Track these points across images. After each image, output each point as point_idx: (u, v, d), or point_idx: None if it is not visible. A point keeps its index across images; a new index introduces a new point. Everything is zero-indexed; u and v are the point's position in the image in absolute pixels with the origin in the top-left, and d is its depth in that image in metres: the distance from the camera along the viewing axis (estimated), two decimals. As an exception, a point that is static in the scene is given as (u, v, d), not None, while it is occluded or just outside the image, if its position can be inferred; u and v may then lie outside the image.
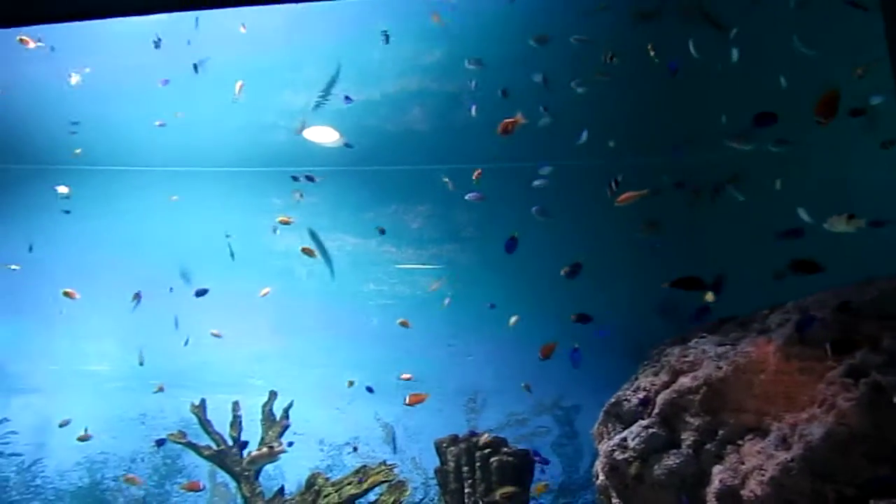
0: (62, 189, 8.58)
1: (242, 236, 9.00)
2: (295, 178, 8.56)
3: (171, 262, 8.87)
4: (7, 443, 8.35)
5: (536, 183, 7.60)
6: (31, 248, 8.23)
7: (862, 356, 4.65)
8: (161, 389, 8.06)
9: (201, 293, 7.98)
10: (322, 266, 9.21)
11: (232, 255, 8.87)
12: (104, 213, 8.74)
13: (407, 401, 6.83)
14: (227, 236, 8.65)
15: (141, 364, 8.29)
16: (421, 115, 8.61)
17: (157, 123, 8.11)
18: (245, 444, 7.02)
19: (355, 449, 7.67)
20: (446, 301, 8.14)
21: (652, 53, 7.02)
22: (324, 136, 8.35)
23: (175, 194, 9.03)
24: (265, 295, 8.12)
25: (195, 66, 7.61)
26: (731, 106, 7.83)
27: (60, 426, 7.59)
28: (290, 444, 7.33)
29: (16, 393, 8.47)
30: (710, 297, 5.73)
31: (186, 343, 8.05)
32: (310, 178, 8.45)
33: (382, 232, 8.12)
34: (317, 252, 8.16)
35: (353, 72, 8.17)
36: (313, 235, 8.18)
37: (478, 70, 7.56)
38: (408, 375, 7.44)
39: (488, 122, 6.97)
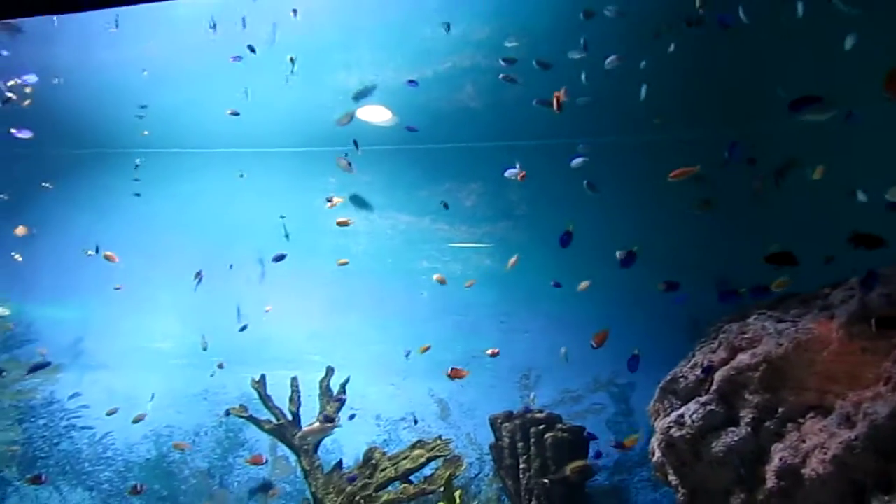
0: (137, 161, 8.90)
1: (298, 215, 9.16)
2: (346, 159, 8.72)
3: (230, 241, 9.08)
4: (79, 416, 8.72)
5: (576, 162, 7.52)
6: (97, 250, 8.51)
7: (931, 334, 4.53)
8: (221, 367, 8.31)
9: (279, 258, 8.15)
10: (376, 243, 9.33)
11: (287, 236, 9.04)
12: (167, 195, 8.98)
13: (449, 373, 6.84)
14: (282, 217, 8.81)
15: (204, 349, 8.55)
16: (473, 93, 8.58)
17: (229, 112, 8.24)
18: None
19: (415, 421, 7.77)
20: (468, 283, 8.17)
21: (701, 11, 6.82)
22: (377, 115, 8.42)
23: (233, 175, 9.25)
24: (342, 265, 8.22)
25: (251, 48, 7.72)
26: (791, 73, 7.63)
27: (134, 422, 7.91)
28: (352, 416, 7.50)
29: (87, 369, 8.83)
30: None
31: (244, 329, 8.26)
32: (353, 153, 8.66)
33: (446, 206, 8.12)
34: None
35: (406, 50, 8.20)
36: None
37: (519, 47, 7.51)
38: (494, 350, 7.47)
39: (538, 97, 6.95)
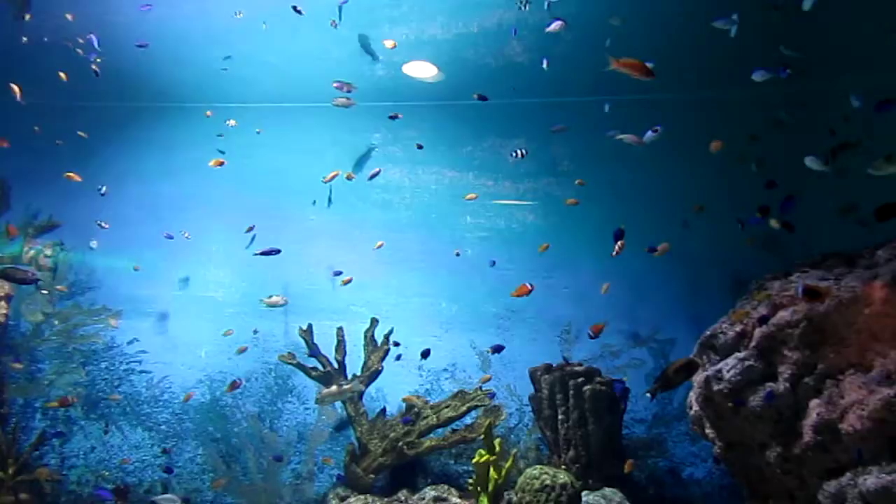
0: (231, 122, 9.12)
1: (344, 170, 9.30)
2: (392, 117, 8.82)
3: (281, 195, 9.29)
4: (138, 361, 9.12)
5: (610, 133, 7.49)
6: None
7: (976, 293, 4.48)
8: (256, 332, 8.67)
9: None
10: (420, 198, 9.43)
11: (329, 201, 9.23)
12: (219, 149, 9.19)
13: (514, 292, 6.94)
14: (324, 181, 8.98)
15: (260, 302, 8.91)
16: (519, 48, 8.53)
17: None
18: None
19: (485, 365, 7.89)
20: (542, 247, 8.22)
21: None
22: (423, 71, 8.44)
23: (281, 129, 9.41)
24: (379, 247, 8.51)
25: (295, 9, 7.78)
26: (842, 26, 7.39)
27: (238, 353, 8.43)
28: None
29: (144, 316, 9.17)
30: None
31: (339, 274, 8.49)
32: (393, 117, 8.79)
33: (523, 155, 8.06)
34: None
35: (453, 5, 8.16)
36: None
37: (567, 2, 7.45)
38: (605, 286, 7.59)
39: (587, 54, 6.88)
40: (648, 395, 4.64)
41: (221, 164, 8.75)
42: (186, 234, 9.03)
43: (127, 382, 9.05)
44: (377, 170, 8.75)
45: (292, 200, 9.33)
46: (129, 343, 9.17)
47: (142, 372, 9.09)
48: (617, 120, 7.80)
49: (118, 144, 9.78)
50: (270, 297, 8.05)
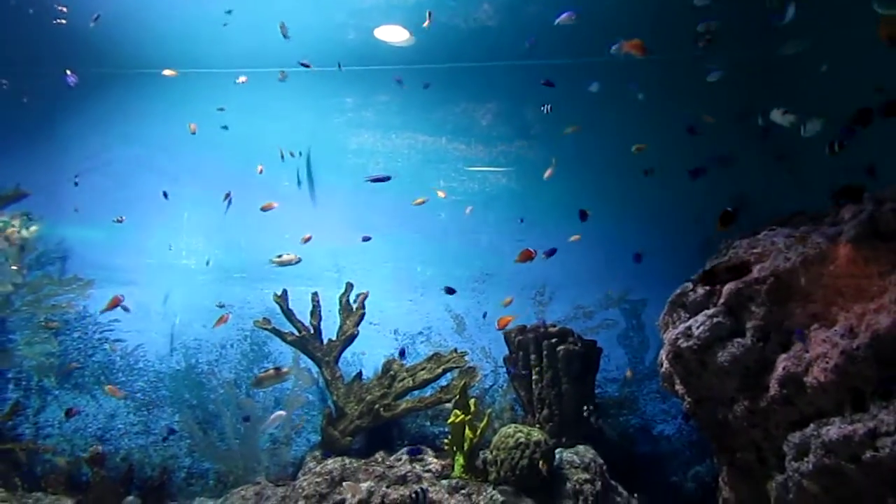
0: (241, 79, 8.96)
1: (316, 135, 9.24)
2: (399, 81, 8.78)
3: (252, 161, 9.19)
4: (111, 330, 9.06)
5: (593, 87, 7.49)
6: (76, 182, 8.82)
7: (937, 247, 4.58)
8: (222, 306, 8.56)
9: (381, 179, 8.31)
10: (393, 163, 9.40)
11: (298, 181, 9.20)
12: (188, 117, 9.06)
13: (518, 259, 6.96)
14: (292, 155, 8.88)
15: (207, 264, 8.83)
16: (491, 11, 8.48)
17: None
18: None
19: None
20: (468, 209, 8.25)
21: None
22: (395, 35, 8.37)
23: (251, 95, 9.29)
24: (366, 240, 8.42)
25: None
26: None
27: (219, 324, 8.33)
28: (403, 352, 7.75)
29: (117, 284, 9.09)
30: None
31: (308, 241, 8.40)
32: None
33: (550, 110, 7.88)
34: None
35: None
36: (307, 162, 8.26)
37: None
38: (576, 237, 7.60)
39: (557, 16, 6.87)
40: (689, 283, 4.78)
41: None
42: (121, 219, 8.87)
43: (101, 351, 8.99)
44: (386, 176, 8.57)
45: (265, 166, 9.25)
46: (102, 312, 9.09)
47: (116, 341, 9.04)
48: (590, 81, 7.82)
49: (84, 112, 9.62)
50: (281, 255, 7.92)
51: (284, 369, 6.62)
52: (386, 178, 7.97)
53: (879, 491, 4.32)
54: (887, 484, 4.27)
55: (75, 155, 9.47)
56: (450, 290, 7.64)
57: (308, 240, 8.45)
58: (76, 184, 8.94)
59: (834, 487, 4.56)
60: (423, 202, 8.54)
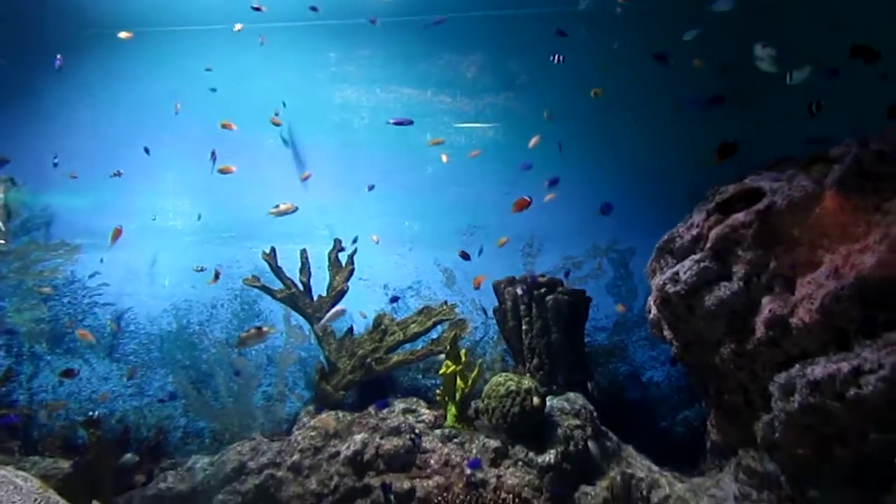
0: (237, 27, 8.75)
1: (300, 91, 9.11)
2: (373, 22, 8.59)
3: (236, 120, 9.06)
4: (100, 294, 9.04)
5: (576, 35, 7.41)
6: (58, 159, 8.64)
7: (921, 186, 4.60)
8: (202, 270, 8.48)
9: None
10: (379, 117, 9.28)
11: (284, 141, 9.09)
12: (169, 76, 8.91)
13: (514, 209, 6.89)
14: (279, 112, 8.76)
15: (199, 218, 8.75)
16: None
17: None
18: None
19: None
20: (473, 153, 8.18)
21: None
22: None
23: (234, 52, 9.13)
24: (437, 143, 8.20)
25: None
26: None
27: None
28: (396, 298, 7.72)
29: (104, 249, 9.04)
30: None
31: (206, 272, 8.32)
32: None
33: (561, 60, 7.68)
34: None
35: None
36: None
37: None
38: (550, 196, 7.55)
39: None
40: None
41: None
42: (118, 173, 8.75)
43: (91, 315, 8.98)
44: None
45: (249, 124, 9.14)
46: (91, 277, 9.06)
47: (105, 304, 9.02)
48: (575, 30, 7.73)
49: (67, 75, 9.43)
50: (278, 206, 7.82)
51: (265, 328, 6.63)
52: (409, 122, 7.83)
53: (862, 427, 4.41)
54: (870, 420, 4.35)
55: (58, 119, 9.33)
56: (464, 256, 7.61)
57: (307, 177, 8.35)
58: (55, 164, 8.80)
59: (819, 425, 4.64)
60: (440, 142, 8.45)
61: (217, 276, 8.04)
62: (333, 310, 7.07)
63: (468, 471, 5.57)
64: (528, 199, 6.78)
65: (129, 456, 7.05)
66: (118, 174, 8.66)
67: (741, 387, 5.49)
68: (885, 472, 4.36)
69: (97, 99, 9.50)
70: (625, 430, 6.42)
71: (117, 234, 7.73)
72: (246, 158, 8.60)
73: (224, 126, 8.32)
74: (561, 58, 7.64)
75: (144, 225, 9.30)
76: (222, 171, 8.14)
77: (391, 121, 7.88)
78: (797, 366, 4.79)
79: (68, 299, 8.99)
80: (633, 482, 5.66)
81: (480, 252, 7.81)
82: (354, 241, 7.90)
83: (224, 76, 9.21)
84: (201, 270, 8.52)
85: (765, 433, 5.11)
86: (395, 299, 7.78)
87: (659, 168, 8.17)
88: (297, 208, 7.65)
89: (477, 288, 7.37)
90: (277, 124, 8.94)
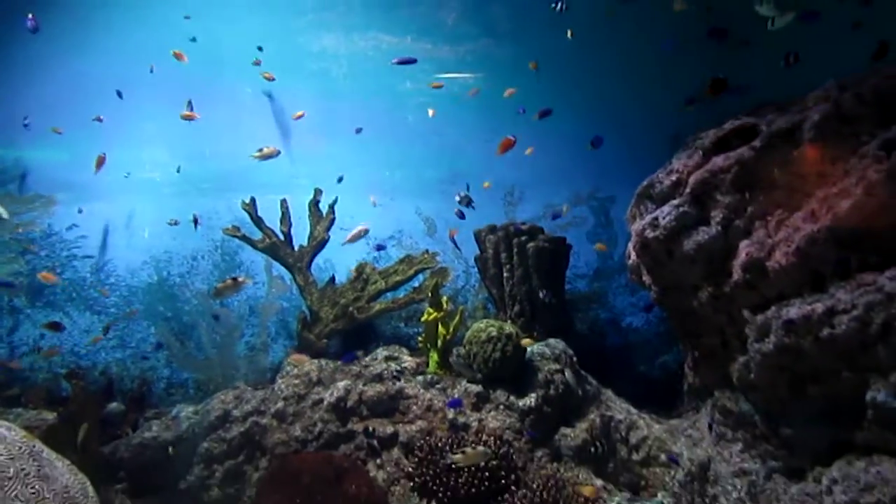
0: None
1: (277, 40, 8.92)
2: None
3: (212, 68, 8.89)
4: (79, 246, 8.95)
5: None
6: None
7: (898, 128, 4.62)
8: (176, 223, 8.36)
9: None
10: (358, 65, 9.14)
11: (270, 96, 8.89)
12: (144, 25, 8.67)
13: (498, 152, 6.80)
14: (260, 62, 8.57)
15: (178, 171, 8.61)
16: None
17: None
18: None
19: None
20: (472, 91, 8.03)
21: None
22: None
23: (211, 1, 8.90)
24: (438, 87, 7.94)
25: None
26: None
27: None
28: (381, 247, 7.67)
29: (81, 201, 8.93)
30: None
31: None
32: None
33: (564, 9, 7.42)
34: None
35: None
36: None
37: None
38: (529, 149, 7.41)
39: None
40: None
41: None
42: (99, 118, 8.56)
43: (70, 268, 8.91)
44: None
45: (225, 73, 8.98)
46: (68, 229, 8.96)
47: (84, 257, 8.95)
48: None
49: (41, 26, 9.15)
50: (261, 149, 7.70)
51: (241, 278, 6.64)
52: (412, 61, 7.65)
53: (835, 366, 4.50)
54: (843, 359, 4.44)
55: (32, 72, 9.10)
56: (460, 215, 7.49)
57: (300, 116, 8.20)
58: (26, 126, 8.59)
59: (792, 365, 4.73)
60: (440, 86, 8.32)
61: (196, 222, 7.96)
62: (357, 229, 6.98)
63: (450, 414, 5.65)
64: (512, 138, 6.69)
65: (114, 405, 7.08)
66: (99, 119, 8.48)
67: (718, 330, 5.57)
68: (856, 410, 4.47)
69: (72, 51, 9.26)
70: (604, 374, 6.52)
71: (101, 161, 7.61)
72: (224, 109, 8.48)
73: (176, 56, 8.09)
74: (564, 6, 7.52)
75: (121, 177, 9.17)
76: (185, 118, 7.99)
77: (394, 61, 7.71)
78: (773, 308, 4.86)
79: (46, 252, 8.89)
80: (613, 424, 5.78)
81: (468, 188, 7.68)
82: (340, 180, 7.81)
83: (201, 25, 9.00)
84: (175, 224, 8.45)
85: (740, 374, 5.21)
86: (380, 247, 7.77)
87: (641, 117, 8.16)
88: (279, 152, 7.54)
89: (453, 238, 7.35)
90: (270, 79, 8.74)
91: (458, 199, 6.76)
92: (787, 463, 5.12)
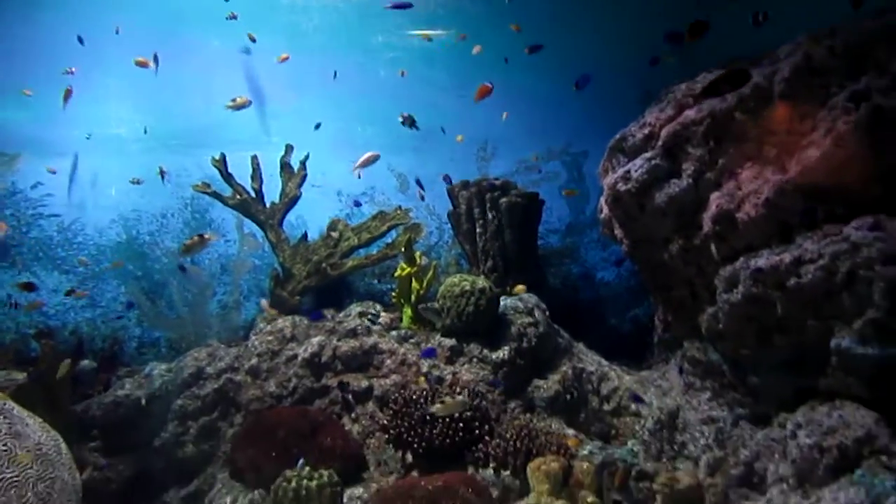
0: None
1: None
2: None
3: (179, 22, 8.64)
4: (45, 205, 8.77)
5: None
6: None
7: (867, 80, 4.66)
8: (163, 173, 8.17)
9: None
10: (329, 18, 8.94)
11: (248, 51, 8.65)
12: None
13: (476, 97, 6.67)
14: (236, 16, 8.34)
15: (145, 132, 8.43)
16: None
17: None
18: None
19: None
20: (461, 36, 7.88)
21: None
22: None
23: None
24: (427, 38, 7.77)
25: None
26: None
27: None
28: (358, 203, 7.59)
29: (46, 157, 8.72)
30: None
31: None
32: None
33: None
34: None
35: None
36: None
37: None
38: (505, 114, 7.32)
39: None
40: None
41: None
42: (70, 70, 8.31)
43: (36, 227, 8.73)
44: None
45: (192, 28, 8.75)
46: (33, 187, 8.77)
47: (51, 216, 8.77)
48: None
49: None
50: (234, 99, 7.53)
51: (207, 235, 6.58)
52: (408, 6, 7.46)
53: (801, 315, 4.59)
54: (809, 308, 4.53)
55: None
56: (447, 178, 7.42)
57: (285, 59, 8.00)
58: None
59: (759, 314, 4.82)
60: (430, 38, 8.14)
61: (162, 174, 7.81)
62: (367, 155, 6.80)
63: (424, 367, 5.69)
64: (489, 85, 6.61)
65: (86, 362, 7.02)
66: (70, 72, 8.22)
67: (688, 282, 5.64)
68: (820, 357, 4.58)
69: (32, 3, 8.94)
70: (576, 328, 6.60)
71: (68, 93, 7.40)
72: (192, 63, 8.29)
73: (139, 63, 7.89)
74: None
75: (87, 133, 8.95)
76: (138, 65, 7.77)
77: (387, 6, 7.51)
78: (742, 259, 4.93)
79: (11, 211, 8.70)
80: (584, 375, 5.86)
81: (414, 123, 7.53)
82: (317, 126, 7.69)
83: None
84: (138, 183, 8.31)
85: (709, 324, 5.30)
86: (357, 203, 7.70)
87: (613, 73, 8.13)
88: (251, 102, 7.39)
89: (422, 199, 7.32)
90: (252, 39, 8.46)
91: (401, 120, 6.65)
92: (754, 410, 5.24)
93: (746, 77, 4.95)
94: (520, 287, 6.13)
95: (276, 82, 8.60)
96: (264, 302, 6.54)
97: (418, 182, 6.98)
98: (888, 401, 4.32)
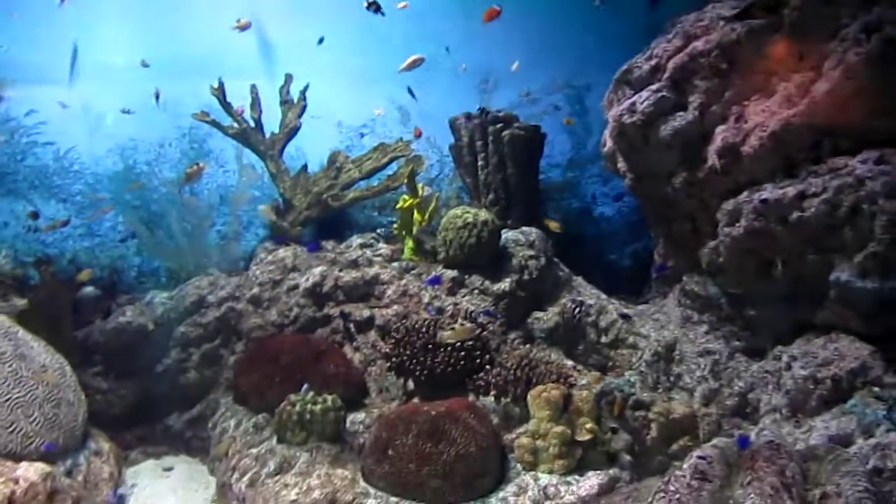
0: None
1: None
2: None
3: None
4: (39, 133, 8.62)
5: None
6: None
7: (879, 11, 4.59)
8: (158, 96, 8.01)
9: None
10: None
11: None
12: None
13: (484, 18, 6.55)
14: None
15: (144, 65, 8.25)
16: None
17: None
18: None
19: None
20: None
21: None
22: None
23: None
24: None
25: None
26: None
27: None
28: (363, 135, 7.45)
29: (38, 85, 8.54)
30: None
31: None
32: None
33: None
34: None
35: None
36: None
37: None
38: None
39: None
40: None
41: None
42: None
43: (31, 156, 8.61)
44: None
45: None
46: (27, 115, 8.61)
47: (46, 144, 8.64)
48: None
49: None
50: (239, 20, 7.33)
51: (201, 164, 6.59)
52: None
53: (801, 249, 4.64)
54: (809, 242, 4.58)
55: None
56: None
57: (246, 26, 7.87)
58: None
59: (760, 248, 4.88)
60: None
61: (157, 96, 7.69)
62: (412, 58, 6.79)
63: (426, 298, 5.74)
64: (498, 7, 6.47)
65: (89, 289, 7.04)
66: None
67: (690, 216, 5.69)
68: (818, 291, 4.65)
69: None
70: (576, 262, 6.64)
71: None
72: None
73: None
74: None
75: (82, 60, 8.77)
76: None
77: None
78: (745, 193, 4.96)
79: (4, 138, 8.56)
80: (583, 308, 5.93)
81: (379, 9, 7.33)
82: (320, 41, 7.54)
83: None
84: (128, 113, 8.19)
85: (710, 258, 5.36)
86: (362, 136, 7.61)
87: (616, 4, 7.95)
88: (250, 24, 7.24)
89: (418, 137, 7.25)
90: None
91: (365, 4, 6.52)
92: (750, 343, 5.35)
93: (784, 4, 4.86)
94: (554, 224, 6.18)
95: (276, 10, 8.38)
96: (263, 207, 6.55)
97: (375, 5, 6.79)
98: (884, 334, 4.41)
